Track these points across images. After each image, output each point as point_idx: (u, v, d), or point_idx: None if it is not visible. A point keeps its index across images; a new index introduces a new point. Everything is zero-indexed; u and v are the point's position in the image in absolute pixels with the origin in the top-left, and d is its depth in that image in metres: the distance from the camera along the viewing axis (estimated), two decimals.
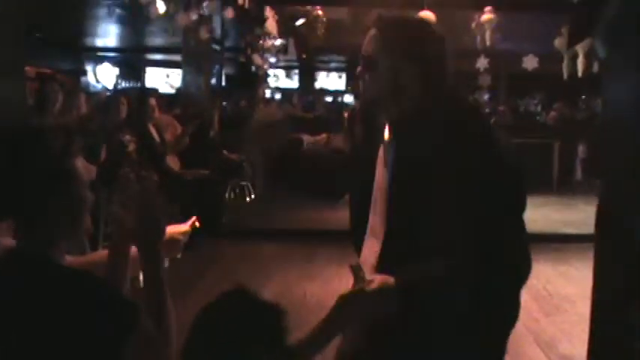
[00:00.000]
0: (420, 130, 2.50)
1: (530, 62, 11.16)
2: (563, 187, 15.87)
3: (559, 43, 10.33)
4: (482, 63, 11.18)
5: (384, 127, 2.69)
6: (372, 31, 2.63)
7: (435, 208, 2.39)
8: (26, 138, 2.10)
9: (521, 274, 2.56)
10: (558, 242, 9.83)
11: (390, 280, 2.39)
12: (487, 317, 2.50)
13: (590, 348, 3.20)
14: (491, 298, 2.46)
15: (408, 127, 2.55)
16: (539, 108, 19.53)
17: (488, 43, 10.42)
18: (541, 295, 7.53)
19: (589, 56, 9.33)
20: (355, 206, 2.88)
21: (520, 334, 6.31)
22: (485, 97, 18.15)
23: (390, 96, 2.58)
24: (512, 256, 2.50)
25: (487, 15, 10.16)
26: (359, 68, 2.66)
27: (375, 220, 2.70)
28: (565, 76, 10.25)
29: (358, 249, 2.83)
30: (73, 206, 2.15)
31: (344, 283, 2.64)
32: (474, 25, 10.56)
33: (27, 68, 12.09)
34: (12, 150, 2.05)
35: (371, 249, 2.70)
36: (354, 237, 2.86)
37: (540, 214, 11.93)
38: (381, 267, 2.57)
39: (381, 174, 2.69)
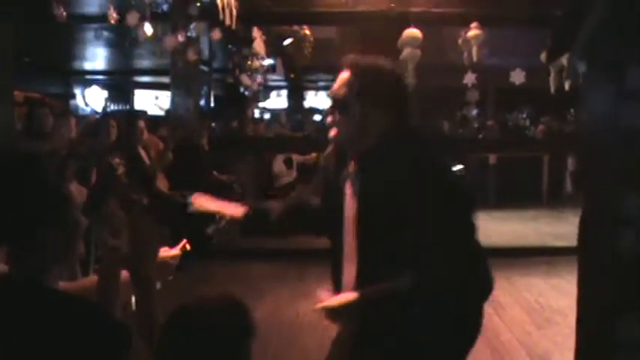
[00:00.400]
0: (384, 165, 2.76)
1: (517, 76, 11.18)
2: (553, 200, 15.96)
3: (545, 57, 10.37)
4: (469, 78, 11.19)
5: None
6: (346, 75, 2.80)
7: (402, 233, 2.68)
8: (22, 164, 2.10)
9: (486, 288, 2.93)
10: (549, 255, 9.89)
11: (352, 295, 2.74)
12: (454, 328, 2.80)
13: None
14: (458, 311, 2.76)
15: (373, 162, 2.82)
16: (527, 122, 19.59)
17: (475, 58, 10.44)
18: (533, 308, 7.56)
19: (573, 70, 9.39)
20: (331, 237, 3.06)
21: (513, 347, 6.33)
22: (474, 112, 18.19)
23: (357, 136, 2.87)
24: (476, 273, 2.85)
25: (473, 31, 10.19)
26: (329, 107, 2.98)
27: (349, 246, 2.92)
28: (552, 89, 10.28)
29: (334, 277, 3.01)
30: (68, 232, 2.16)
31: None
32: (460, 41, 10.59)
33: (15, 92, 12.09)
34: (8, 176, 2.05)
35: (350, 274, 2.85)
36: (331, 267, 3.06)
37: (531, 228, 11.98)
38: (358, 288, 2.81)
39: (350, 204, 2.92)
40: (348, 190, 2.92)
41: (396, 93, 2.89)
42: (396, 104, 2.87)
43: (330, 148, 3.18)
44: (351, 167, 2.93)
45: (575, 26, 2.99)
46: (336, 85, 2.91)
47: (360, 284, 2.81)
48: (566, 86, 9.72)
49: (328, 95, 3.07)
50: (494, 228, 12.41)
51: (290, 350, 6.33)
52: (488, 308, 7.03)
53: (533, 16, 10.37)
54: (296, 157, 13.92)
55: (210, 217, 7.17)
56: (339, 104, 2.88)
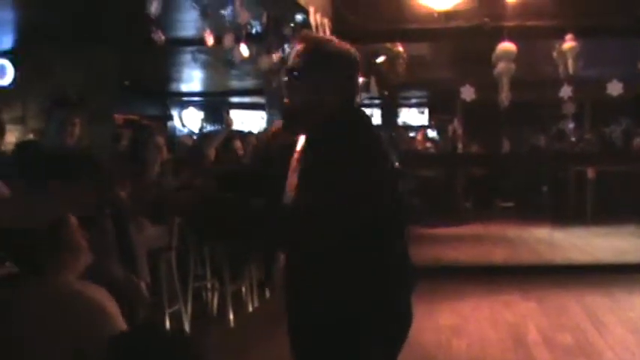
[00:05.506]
0: (328, 141, 2.73)
1: (614, 88, 10.96)
2: None
3: None
4: (565, 91, 11.03)
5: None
6: (299, 47, 2.93)
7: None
8: None
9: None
10: None
11: None
12: None
13: None
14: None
15: (322, 136, 2.78)
16: (625, 135, 19.13)
17: (570, 71, 10.28)
18: (637, 329, 7.33)
19: None
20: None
21: None
22: (570, 125, 17.90)
23: (308, 108, 2.85)
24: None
25: (568, 43, 10.04)
26: (284, 79, 2.95)
27: None
28: None
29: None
30: None
31: None
32: (555, 53, 10.45)
33: (115, 115, 12.46)
34: None
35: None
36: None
37: (632, 244, 11.64)
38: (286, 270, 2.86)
39: (292, 180, 2.87)
40: (293, 166, 2.91)
41: (344, 64, 2.89)
42: (345, 76, 2.90)
43: (276, 126, 3.18)
44: (300, 143, 2.93)
45: None
46: (289, 59, 2.96)
47: (290, 265, 2.84)
48: None
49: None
50: (594, 244, 12.15)
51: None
52: (590, 326, 6.89)
53: (629, 26, 10.18)
54: None
55: None
56: (291, 75, 2.89)
